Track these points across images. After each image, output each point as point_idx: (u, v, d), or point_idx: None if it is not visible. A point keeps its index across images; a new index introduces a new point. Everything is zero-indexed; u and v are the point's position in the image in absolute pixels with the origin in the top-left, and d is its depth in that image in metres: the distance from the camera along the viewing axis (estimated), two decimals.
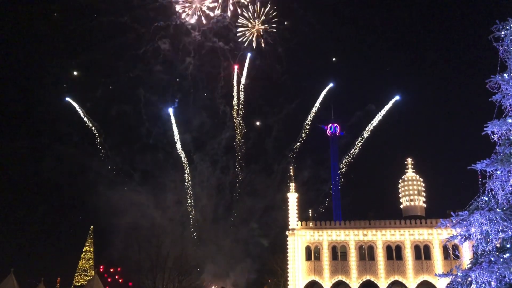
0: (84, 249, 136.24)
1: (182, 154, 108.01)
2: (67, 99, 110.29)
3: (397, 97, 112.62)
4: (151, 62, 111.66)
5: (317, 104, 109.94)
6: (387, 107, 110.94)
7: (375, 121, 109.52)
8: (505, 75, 28.47)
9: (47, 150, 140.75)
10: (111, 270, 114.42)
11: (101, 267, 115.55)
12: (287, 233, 67.14)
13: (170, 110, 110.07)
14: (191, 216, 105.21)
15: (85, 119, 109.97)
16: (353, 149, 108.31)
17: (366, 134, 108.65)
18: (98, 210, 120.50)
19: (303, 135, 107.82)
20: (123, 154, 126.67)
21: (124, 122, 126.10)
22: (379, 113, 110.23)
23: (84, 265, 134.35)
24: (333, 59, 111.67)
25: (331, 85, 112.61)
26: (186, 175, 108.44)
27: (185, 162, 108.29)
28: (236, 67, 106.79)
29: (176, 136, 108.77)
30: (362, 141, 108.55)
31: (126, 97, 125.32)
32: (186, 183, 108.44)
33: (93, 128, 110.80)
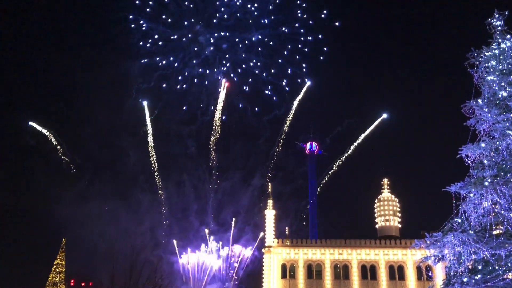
0: (55, 262, 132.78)
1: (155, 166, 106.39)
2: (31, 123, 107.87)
3: (384, 115, 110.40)
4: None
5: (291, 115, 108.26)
6: (373, 126, 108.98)
7: (359, 139, 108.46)
8: (479, 100, 29.32)
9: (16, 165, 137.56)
10: (82, 284, 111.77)
11: (72, 281, 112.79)
12: (263, 250, 67.00)
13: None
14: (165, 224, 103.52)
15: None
16: (334, 165, 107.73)
17: (347, 152, 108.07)
18: (69, 222, 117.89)
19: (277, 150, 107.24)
20: (95, 167, 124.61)
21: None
22: (365, 132, 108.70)
23: (54, 278, 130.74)
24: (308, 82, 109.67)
25: (308, 83, 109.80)
26: (159, 187, 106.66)
27: (159, 180, 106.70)
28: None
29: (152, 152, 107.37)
30: (342, 159, 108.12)
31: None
32: (159, 193, 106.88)
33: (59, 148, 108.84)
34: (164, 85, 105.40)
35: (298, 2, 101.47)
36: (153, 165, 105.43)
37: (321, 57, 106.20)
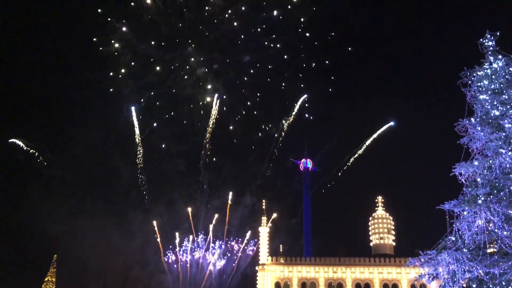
0: (46, 279, 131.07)
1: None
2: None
3: (391, 123, 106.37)
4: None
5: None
6: (378, 132, 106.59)
7: (356, 154, 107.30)
8: (472, 119, 29.70)
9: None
10: None
11: None
12: (257, 268, 66.53)
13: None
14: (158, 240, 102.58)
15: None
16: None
17: (345, 166, 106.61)
18: (60, 238, 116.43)
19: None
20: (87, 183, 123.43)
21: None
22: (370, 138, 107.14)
23: None
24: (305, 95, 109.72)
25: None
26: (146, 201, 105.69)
27: (149, 198, 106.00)
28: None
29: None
30: (338, 173, 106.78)
31: None
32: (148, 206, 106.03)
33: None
34: (155, 104, 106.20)
35: (302, 21, 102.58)
36: (143, 183, 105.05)
37: (330, 89, 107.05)
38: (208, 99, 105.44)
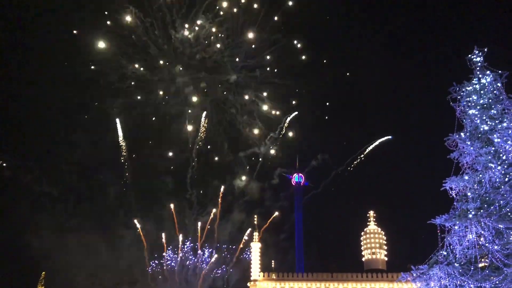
0: None
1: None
2: None
3: (389, 137, 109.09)
4: None
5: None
6: (374, 145, 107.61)
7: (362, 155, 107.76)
8: (462, 134, 29.98)
9: None
10: None
11: None
12: (248, 284, 65.92)
13: None
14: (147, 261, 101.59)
15: None
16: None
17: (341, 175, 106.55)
18: (48, 255, 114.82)
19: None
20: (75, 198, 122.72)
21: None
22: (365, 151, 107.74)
23: None
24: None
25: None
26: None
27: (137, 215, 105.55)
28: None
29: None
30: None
31: None
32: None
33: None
34: (143, 121, 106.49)
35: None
36: (130, 201, 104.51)
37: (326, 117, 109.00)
38: (196, 117, 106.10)
